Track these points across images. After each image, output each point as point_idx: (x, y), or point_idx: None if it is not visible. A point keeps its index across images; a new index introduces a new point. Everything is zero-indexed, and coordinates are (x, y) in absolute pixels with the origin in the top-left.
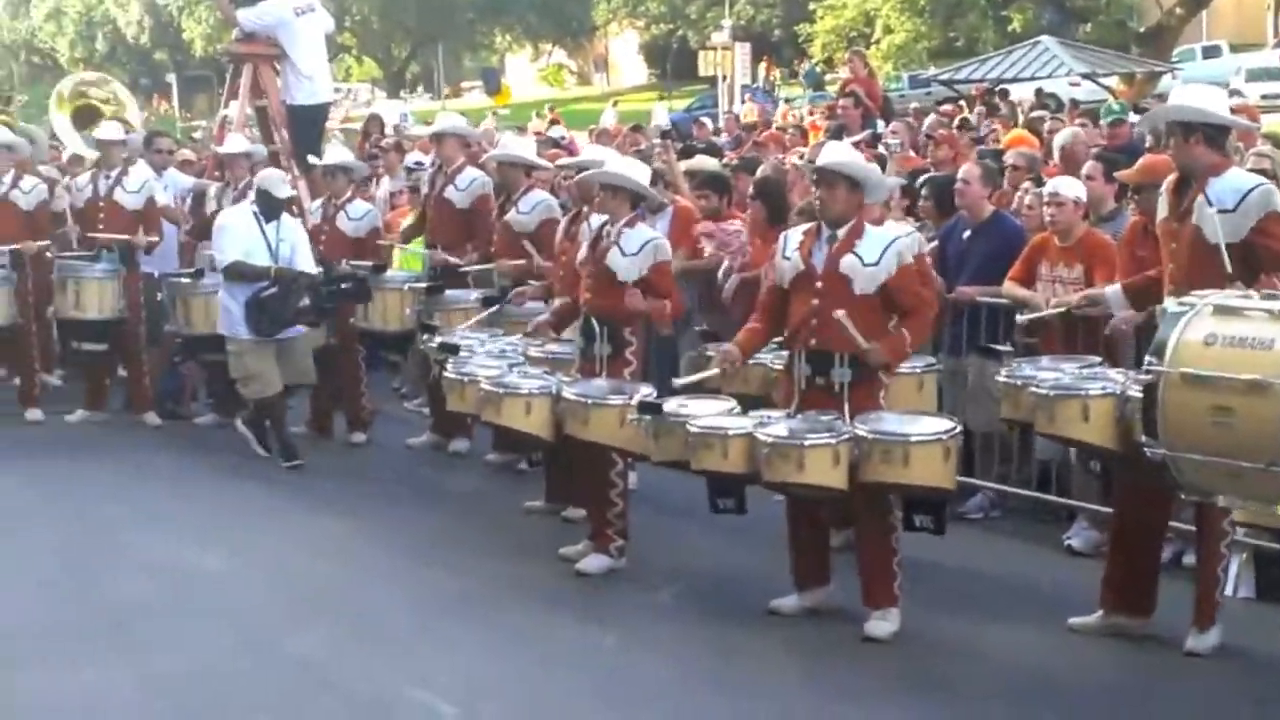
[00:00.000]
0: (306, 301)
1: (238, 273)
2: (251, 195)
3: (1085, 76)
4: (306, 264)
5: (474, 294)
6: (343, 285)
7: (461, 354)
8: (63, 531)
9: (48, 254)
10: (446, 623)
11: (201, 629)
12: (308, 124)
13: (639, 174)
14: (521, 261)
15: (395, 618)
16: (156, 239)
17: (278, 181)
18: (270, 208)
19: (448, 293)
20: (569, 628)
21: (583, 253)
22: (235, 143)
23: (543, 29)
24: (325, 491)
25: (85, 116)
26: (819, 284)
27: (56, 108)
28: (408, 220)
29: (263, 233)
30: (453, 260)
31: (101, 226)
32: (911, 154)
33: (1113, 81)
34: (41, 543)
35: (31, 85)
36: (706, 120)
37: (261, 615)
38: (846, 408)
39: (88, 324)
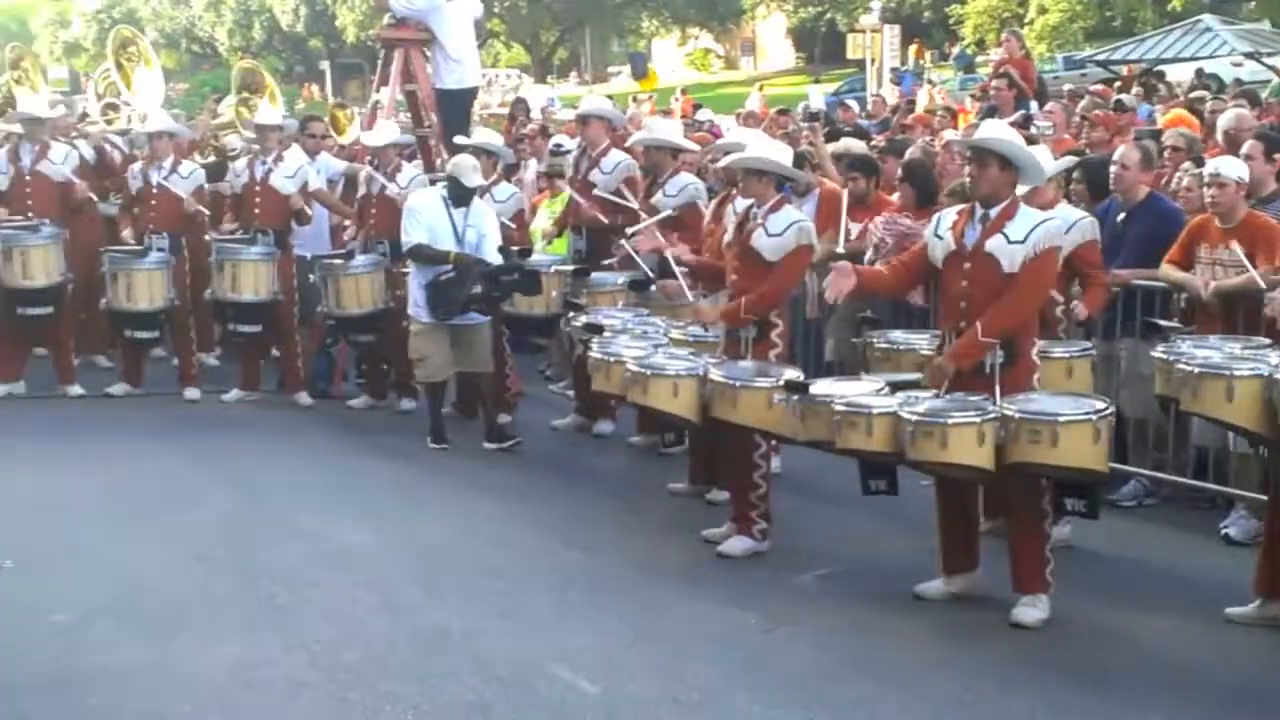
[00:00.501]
0: (479, 289)
1: (420, 255)
2: (401, 178)
3: (1248, 56)
4: (492, 253)
5: (621, 277)
6: (512, 276)
7: (606, 334)
8: (220, 505)
9: (206, 236)
10: (588, 602)
11: (349, 601)
12: (457, 108)
13: (781, 156)
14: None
15: (538, 596)
16: (307, 210)
17: (468, 169)
18: (459, 194)
19: (594, 275)
20: (711, 609)
21: (729, 234)
22: (384, 133)
23: (690, 13)
24: (471, 471)
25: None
26: (968, 264)
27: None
28: (547, 208)
29: (450, 218)
30: (604, 219)
31: (258, 211)
32: (1065, 136)
33: (1277, 61)
34: (200, 516)
35: (191, 74)
36: (852, 103)
37: (407, 589)
38: (997, 390)
39: (243, 306)
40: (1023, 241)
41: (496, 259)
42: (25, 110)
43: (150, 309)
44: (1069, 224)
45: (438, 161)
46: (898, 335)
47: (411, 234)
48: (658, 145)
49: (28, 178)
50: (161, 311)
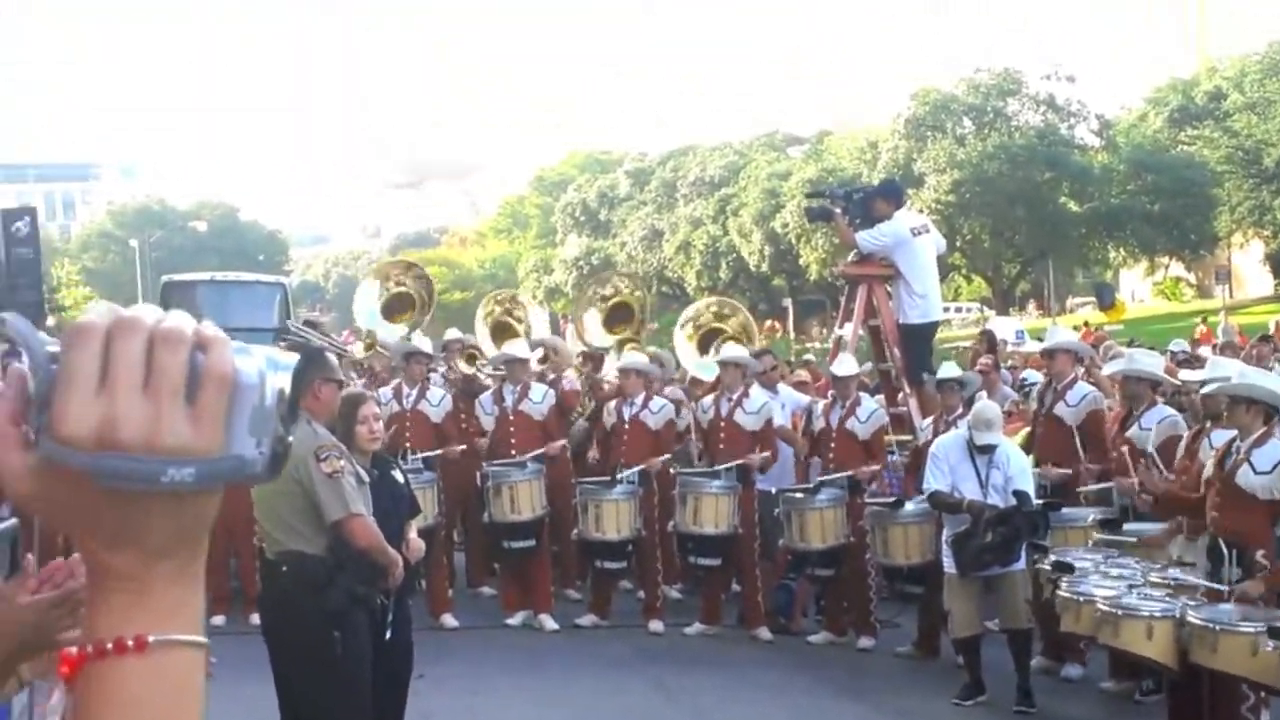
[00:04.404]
0: (990, 537)
1: (937, 503)
2: (862, 411)
3: None
4: (1020, 496)
5: (1091, 513)
6: (1016, 519)
7: (1076, 573)
8: None
9: (670, 470)
10: None
11: None
12: (919, 342)
13: (1271, 385)
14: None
15: None
16: (771, 457)
17: (982, 424)
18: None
19: (1064, 511)
20: None
21: (1209, 469)
22: (845, 365)
23: (1159, 242)
24: (933, 714)
25: (707, 340)
26: None
27: (685, 336)
28: (1018, 438)
29: (973, 462)
30: (1061, 473)
31: (722, 446)
32: None
33: None
34: None
35: (661, 313)
36: None
37: None
38: None
39: (704, 538)
40: None
41: (1024, 503)
42: (508, 352)
43: (618, 539)
44: None
45: (899, 395)
46: None
47: (931, 480)
48: (1138, 376)
49: (511, 417)
50: (629, 542)
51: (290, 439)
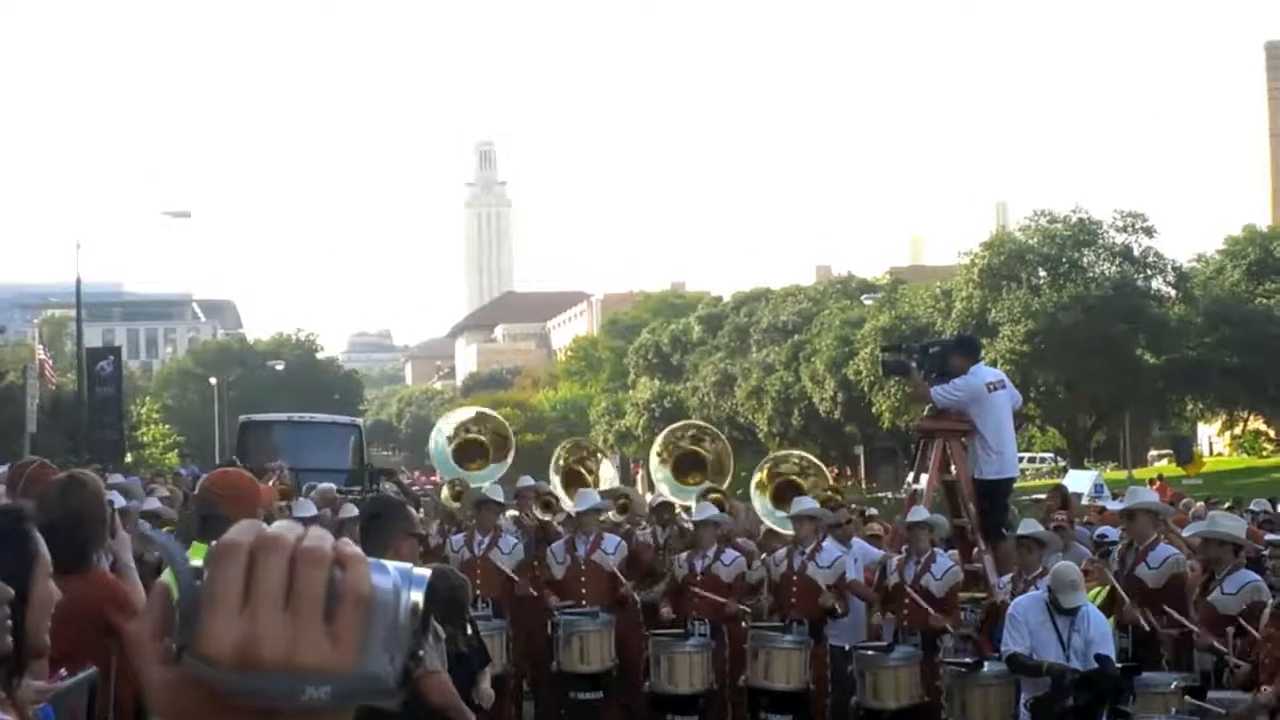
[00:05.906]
0: (1072, 701)
1: (1016, 666)
2: (936, 569)
3: None
4: (1099, 660)
5: (1173, 679)
6: (1082, 691)
7: None
8: None
9: (743, 623)
10: None
11: None
12: (995, 498)
13: None
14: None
15: None
16: (843, 612)
17: (1065, 585)
18: (1059, 604)
19: (1144, 675)
20: None
21: None
22: (917, 512)
23: (1239, 395)
24: None
25: (784, 493)
26: None
27: (756, 489)
28: (1096, 597)
29: (1054, 625)
30: (1148, 623)
31: (794, 600)
32: None
33: None
34: None
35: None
36: None
37: None
38: None
39: (777, 694)
40: None
41: (1108, 669)
42: (583, 503)
43: (690, 692)
44: None
45: (974, 551)
46: None
47: (1009, 642)
48: (1219, 539)
49: (583, 566)
50: (700, 695)
51: (422, 653)
